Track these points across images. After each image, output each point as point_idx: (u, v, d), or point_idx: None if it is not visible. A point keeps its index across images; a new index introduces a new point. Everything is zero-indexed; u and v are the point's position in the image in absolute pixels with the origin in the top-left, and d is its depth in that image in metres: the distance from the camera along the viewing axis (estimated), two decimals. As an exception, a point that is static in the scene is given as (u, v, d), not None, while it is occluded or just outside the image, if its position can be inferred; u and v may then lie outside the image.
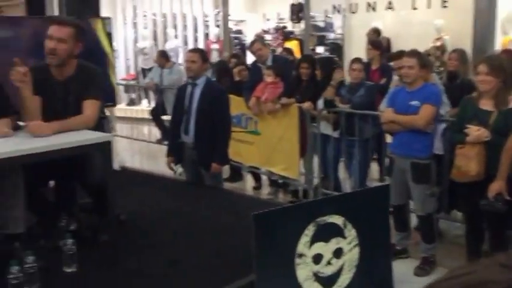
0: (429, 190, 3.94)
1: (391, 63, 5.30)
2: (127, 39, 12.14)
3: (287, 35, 11.46)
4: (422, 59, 3.98)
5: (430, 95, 3.92)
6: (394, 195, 3.90)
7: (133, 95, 11.76)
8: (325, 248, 2.52)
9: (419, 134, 3.88)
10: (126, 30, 12.17)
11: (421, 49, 4.87)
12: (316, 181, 5.51)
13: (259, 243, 2.33)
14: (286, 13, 11.31)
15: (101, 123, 3.38)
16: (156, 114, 8.27)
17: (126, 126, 9.97)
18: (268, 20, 12.66)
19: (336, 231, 2.54)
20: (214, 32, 11.74)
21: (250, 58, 7.72)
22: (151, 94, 10.08)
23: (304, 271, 2.47)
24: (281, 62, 6.09)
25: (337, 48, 10.96)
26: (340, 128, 5.04)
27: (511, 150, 3.34)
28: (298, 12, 10.32)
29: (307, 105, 5.25)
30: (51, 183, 3.50)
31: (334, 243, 2.54)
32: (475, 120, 3.54)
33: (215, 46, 11.26)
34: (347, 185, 5.35)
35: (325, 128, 5.22)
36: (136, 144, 8.79)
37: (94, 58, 3.90)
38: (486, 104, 3.56)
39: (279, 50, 9.66)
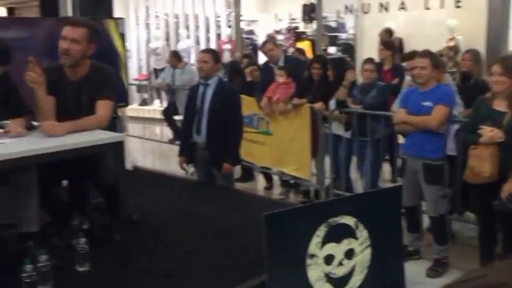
0: (442, 191, 3.91)
1: (404, 64, 5.28)
2: (139, 40, 12.20)
3: (299, 36, 11.44)
4: (435, 60, 3.95)
5: (443, 96, 3.89)
6: (406, 196, 3.88)
7: (146, 95, 11.81)
8: (337, 249, 2.51)
9: (432, 134, 3.86)
10: (139, 30, 12.23)
11: (434, 49, 4.85)
12: (327, 181, 5.50)
13: (270, 244, 2.33)
14: (298, 13, 11.30)
15: (114, 123, 3.40)
16: (168, 114, 8.30)
17: (138, 126, 10.02)
18: (280, 20, 12.65)
19: (347, 232, 2.53)
20: (226, 32, 11.76)
21: (262, 58, 7.72)
22: (164, 94, 10.12)
23: (315, 272, 2.47)
24: (293, 63, 6.08)
25: (349, 49, 10.93)
26: (352, 128, 5.03)
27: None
28: (310, 12, 10.30)
29: (319, 105, 5.24)
30: (64, 182, 3.53)
31: (345, 244, 2.53)
32: (488, 121, 3.51)
33: (227, 46, 11.27)
34: (359, 186, 5.33)
35: (337, 129, 5.21)
36: (149, 144, 8.83)
37: (107, 58, 3.93)
38: (500, 105, 3.53)
39: (291, 51, 9.65)
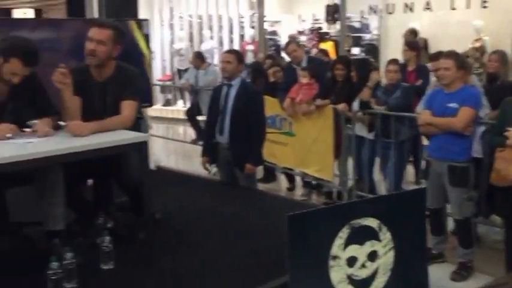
0: (467, 194, 3.86)
1: (429, 65, 5.22)
2: (163, 41, 12.31)
3: (322, 36, 11.41)
4: (459, 61, 3.90)
5: (469, 97, 3.84)
6: (431, 199, 3.84)
7: (169, 96, 11.91)
8: (360, 251, 2.49)
9: (457, 136, 3.81)
10: (163, 31, 12.33)
11: (460, 50, 4.79)
12: (350, 183, 5.47)
13: (293, 245, 2.33)
14: (321, 14, 11.28)
15: (138, 124, 3.44)
16: (191, 114, 8.35)
17: (161, 126, 10.11)
18: (303, 21, 12.64)
19: (370, 234, 2.51)
20: (249, 33, 11.79)
21: (286, 59, 7.72)
22: (187, 95, 10.19)
23: (338, 274, 2.45)
24: (316, 63, 6.07)
25: (373, 49, 10.86)
26: (375, 129, 4.99)
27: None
28: (333, 13, 10.27)
29: (342, 106, 5.22)
30: (89, 182, 3.58)
31: (368, 246, 2.51)
32: (515, 123, 3.45)
33: (250, 47, 11.30)
34: (382, 188, 5.29)
35: (360, 130, 5.18)
36: (172, 144, 8.90)
37: (132, 59, 3.97)
38: (527, 107, 3.47)
39: (314, 51, 9.63)
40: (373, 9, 10.96)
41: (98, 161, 3.08)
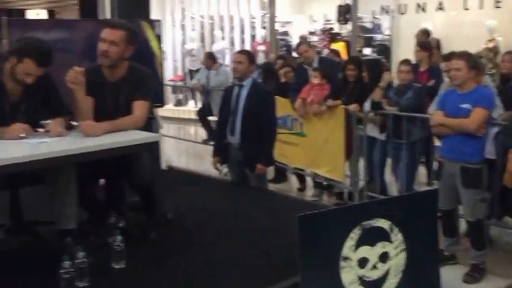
0: (480, 195, 3.83)
1: (442, 65, 5.20)
2: (175, 41, 12.35)
3: (334, 37, 11.38)
4: (471, 61, 3.87)
5: (482, 98, 3.81)
6: (443, 200, 3.82)
7: (181, 96, 11.95)
8: (371, 252, 2.49)
9: (470, 137, 3.78)
10: (175, 32, 12.38)
11: (473, 51, 4.76)
12: (361, 184, 5.45)
13: (304, 245, 2.33)
14: (333, 14, 11.25)
15: (150, 124, 3.45)
16: (202, 114, 8.38)
17: (173, 127, 10.14)
18: (314, 21, 12.61)
19: (382, 235, 2.50)
20: (260, 33, 11.79)
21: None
22: (198, 95, 10.22)
23: (349, 275, 2.45)
24: (327, 64, 6.06)
25: (384, 50, 10.82)
26: (387, 130, 4.97)
27: None
28: (345, 13, 10.24)
29: (353, 107, 5.20)
30: (101, 181, 3.60)
31: (380, 248, 2.51)
32: (529, 124, 3.43)
33: (261, 48, 11.31)
34: (393, 189, 5.27)
35: (372, 130, 5.16)
36: (183, 144, 8.92)
37: (144, 59, 3.99)
38: (541, 108, 3.44)
39: (326, 52, 9.61)
40: (385, 10, 10.91)
41: (110, 160, 3.10)
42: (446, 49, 7.96)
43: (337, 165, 5.46)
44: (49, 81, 3.09)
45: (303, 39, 9.05)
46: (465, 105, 3.80)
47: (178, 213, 3.74)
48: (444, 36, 9.05)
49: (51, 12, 13.06)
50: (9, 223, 3.36)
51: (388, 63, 9.11)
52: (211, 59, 8.46)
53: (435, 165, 4.62)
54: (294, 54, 8.44)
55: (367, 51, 11.07)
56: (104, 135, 3.01)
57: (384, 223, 2.50)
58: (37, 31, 4.25)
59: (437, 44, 8.77)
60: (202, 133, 8.82)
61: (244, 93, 4.33)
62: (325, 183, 5.87)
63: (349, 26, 10.22)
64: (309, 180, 6.25)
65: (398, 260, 2.56)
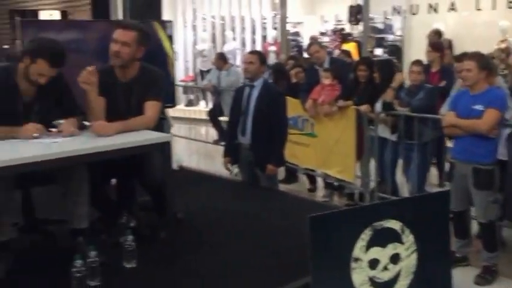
0: (492, 197, 3.81)
1: (455, 66, 5.17)
2: (186, 42, 12.39)
3: (345, 37, 11.36)
4: (482, 62, 3.85)
5: (495, 99, 3.79)
6: (455, 201, 3.80)
7: (192, 96, 11.98)
8: (382, 253, 2.48)
9: (482, 138, 3.76)
10: (186, 32, 12.42)
11: (485, 51, 4.72)
12: (372, 185, 5.44)
13: (314, 246, 2.33)
14: (344, 15, 11.22)
15: (161, 124, 3.47)
16: (213, 115, 8.39)
17: (184, 127, 10.17)
18: (326, 22, 12.60)
19: (393, 237, 2.50)
20: (271, 34, 11.80)
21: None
22: (209, 95, 10.24)
23: (360, 276, 2.45)
24: (339, 64, 6.05)
25: (396, 50, 10.78)
26: (398, 131, 4.96)
27: None
28: (356, 13, 10.21)
29: (364, 107, 5.19)
30: (113, 181, 3.62)
31: (391, 249, 2.50)
32: (542, 125, 3.40)
33: (272, 48, 11.31)
34: (405, 190, 5.25)
35: (383, 131, 5.15)
36: (194, 144, 8.95)
37: (156, 60, 4.01)
38: (555, 109, 3.41)
39: (337, 52, 9.59)
40: (396, 10, 10.87)
41: (122, 160, 3.12)
42: (458, 50, 7.92)
43: (348, 166, 5.45)
44: (62, 81, 3.12)
45: (314, 40, 9.04)
46: (477, 106, 3.78)
47: (189, 213, 3.76)
48: (456, 37, 9.00)
49: (63, 13, 13.15)
50: (22, 222, 3.39)
51: (400, 64, 9.07)
52: (222, 60, 8.47)
53: (447, 166, 4.59)
54: (305, 55, 8.43)
55: (378, 51, 11.04)
56: (116, 135, 3.04)
57: (395, 224, 2.50)
58: (50, 32, 4.29)
59: (450, 45, 8.72)
60: (213, 133, 8.84)
61: (255, 93, 4.33)
62: (336, 183, 5.85)
63: (360, 27, 10.19)
64: (319, 181, 6.24)
65: (409, 261, 2.56)
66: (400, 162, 5.20)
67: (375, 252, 2.46)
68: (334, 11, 12.14)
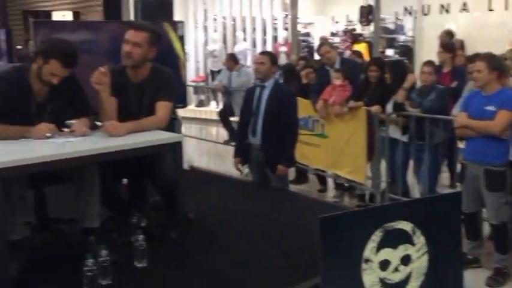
0: (504, 198, 3.79)
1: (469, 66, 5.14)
2: (197, 42, 12.42)
3: (356, 38, 11.33)
4: (492, 62, 3.83)
5: (508, 100, 3.76)
6: (467, 203, 3.78)
7: (202, 97, 12.01)
8: (393, 255, 2.47)
9: (494, 140, 3.74)
10: (197, 33, 12.45)
11: (497, 52, 4.69)
12: (383, 185, 5.42)
13: (325, 247, 2.32)
14: (355, 15, 11.19)
15: (172, 124, 3.48)
16: (224, 115, 8.41)
17: (194, 127, 10.20)
18: (337, 22, 12.57)
19: (404, 238, 2.49)
20: (282, 34, 11.80)
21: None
22: (220, 96, 10.26)
23: (370, 277, 2.44)
24: (349, 65, 6.04)
25: (407, 51, 10.73)
26: (409, 132, 4.94)
27: None
28: (367, 14, 10.18)
29: (375, 108, 5.17)
30: (124, 180, 3.64)
31: (402, 250, 2.49)
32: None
33: (283, 49, 11.31)
34: (416, 191, 5.23)
35: (394, 132, 5.13)
36: (204, 144, 8.97)
37: (168, 61, 4.03)
38: None
39: (348, 53, 9.57)
40: (408, 11, 10.83)
41: (133, 160, 3.14)
42: (470, 50, 7.87)
43: (359, 167, 5.44)
44: (74, 81, 3.14)
45: (324, 40, 9.03)
46: (490, 107, 3.76)
47: (200, 213, 3.77)
48: (468, 38, 8.95)
49: (76, 14, 13.25)
50: (34, 221, 3.42)
51: (411, 65, 9.03)
52: (233, 60, 8.49)
53: (458, 167, 4.56)
54: (316, 56, 8.43)
55: (389, 52, 11.00)
56: (128, 135, 3.06)
57: (406, 225, 2.48)
58: (63, 32, 4.32)
59: (462, 45, 8.67)
60: (223, 134, 8.86)
61: (266, 94, 4.34)
62: (346, 184, 5.84)
63: (371, 27, 10.16)
64: (330, 182, 6.23)
65: (420, 262, 2.54)
66: (411, 163, 5.18)
67: (386, 253, 2.45)
68: (345, 12, 12.12)
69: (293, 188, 5.56)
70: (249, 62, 11.13)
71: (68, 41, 3.19)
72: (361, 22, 10.80)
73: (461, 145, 4.42)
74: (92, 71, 3.14)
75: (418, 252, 2.53)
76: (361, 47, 10.26)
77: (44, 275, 2.86)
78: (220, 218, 3.86)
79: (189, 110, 10.38)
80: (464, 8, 9.49)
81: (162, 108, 3.26)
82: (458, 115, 4.05)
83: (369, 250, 2.41)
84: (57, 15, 13.27)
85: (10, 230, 2.78)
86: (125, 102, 3.24)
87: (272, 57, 4.51)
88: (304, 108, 5.59)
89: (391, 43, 11.26)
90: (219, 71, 10.00)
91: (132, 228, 3.17)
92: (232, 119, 8.00)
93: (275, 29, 12.26)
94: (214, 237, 3.49)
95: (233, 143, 6.00)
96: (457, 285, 2.68)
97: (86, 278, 2.65)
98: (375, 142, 5.31)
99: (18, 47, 11.84)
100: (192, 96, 11.54)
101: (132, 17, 6.11)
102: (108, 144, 2.95)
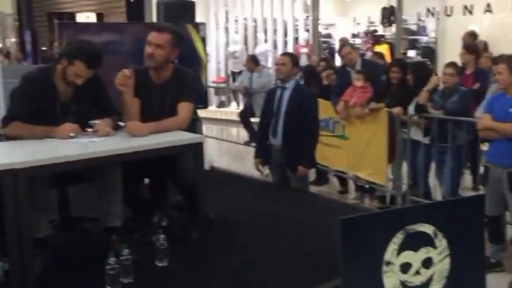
0: (528, 202, 3.73)
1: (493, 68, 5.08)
2: (219, 43, 12.47)
3: (377, 39, 11.27)
4: None
5: (532, 102, 3.72)
6: (490, 206, 3.74)
7: (223, 98, 12.06)
8: (414, 257, 2.46)
9: (518, 142, 3.70)
10: (218, 34, 12.50)
11: (522, 53, 4.63)
12: (404, 188, 5.38)
13: (345, 248, 2.32)
14: (377, 17, 11.14)
15: (194, 125, 3.51)
16: (244, 116, 8.43)
17: (215, 128, 10.24)
18: (358, 23, 12.52)
19: (425, 241, 2.47)
20: (303, 36, 11.78)
21: (339, 62, 7.67)
22: (240, 97, 10.29)
23: (391, 279, 2.42)
24: (371, 66, 6.01)
25: (429, 52, 10.63)
26: (431, 134, 4.89)
27: None
28: (389, 15, 10.13)
29: (397, 110, 5.14)
30: (146, 180, 3.67)
31: (423, 253, 2.47)
32: None
33: (304, 50, 11.29)
34: (437, 193, 5.18)
35: (416, 134, 5.09)
36: (225, 145, 9.00)
37: (190, 62, 4.06)
38: None
39: (369, 54, 9.52)
40: (430, 12, 10.73)
41: (155, 160, 3.17)
42: (493, 52, 7.77)
43: (380, 169, 5.41)
44: (98, 82, 3.19)
45: (344, 42, 9.00)
46: (514, 110, 3.72)
47: (220, 213, 3.78)
48: (491, 39, 8.83)
49: (99, 15, 13.41)
50: (58, 220, 3.47)
51: (433, 66, 8.95)
52: (254, 62, 8.51)
53: (481, 170, 4.51)
54: (337, 58, 8.40)
55: (411, 53, 10.91)
56: (150, 136, 3.09)
57: (427, 228, 2.46)
58: (87, 34, 4.39)
59: (485, 47, 8.56)
60: (244, 134, 8.88)
61: (286, 95, 4.34)
62: (367, 186, 5.82)
63: (393, 28, 10.10)
64: (350, 183, 6.21)
65: (442, 265, 2.52)
66: (433, 165, 5.13)
67: (407, 256, 2.43)
68: (366, 13, 12.06)
69: (313, 189, 5.55)
70: (269, 63, 11.15)
71: (92, 43, 3.24)
72: (382, 23, 10.76)
73: (484, 147, 4.37)
74: (115, 72, 3.18)
75: (440, 255, 2.51)
76: (382, 48, 10.20)
77: (66, 273, 2.90)
78: (240, 218, 3.87)
79: (210, 111, 10.43)
80: (488, 8, 9.37)
81: (184, 109, 3.28)
82: (482, 117, 4.01)
83: (389, 252, 2.39)
84: (81, 17, 13.44)
85: (34, 228, 2.82)
86: (147, 103, 3.28)
87: (293, 58, 4.51)
88: (324, 109, 5.58)
89: (413, 44, 11.17)
90: (240, 72, 10.03)
91: (154, 227, 3.19)
92: (252, 120, 8.02)
93: (296, 31, 12.25)
94: (234, 238, 3.51)
95: (254, 144, 6.01)
96: (479, 289, 2.65)
97: (108, 276, 2.68)
98: (396, 144, 5.27)
99: (43, 48, 12.04)
100: (213, 97, 11.60)
101: (154, 19, 6.17)
102: (130, 144, 2.98)
